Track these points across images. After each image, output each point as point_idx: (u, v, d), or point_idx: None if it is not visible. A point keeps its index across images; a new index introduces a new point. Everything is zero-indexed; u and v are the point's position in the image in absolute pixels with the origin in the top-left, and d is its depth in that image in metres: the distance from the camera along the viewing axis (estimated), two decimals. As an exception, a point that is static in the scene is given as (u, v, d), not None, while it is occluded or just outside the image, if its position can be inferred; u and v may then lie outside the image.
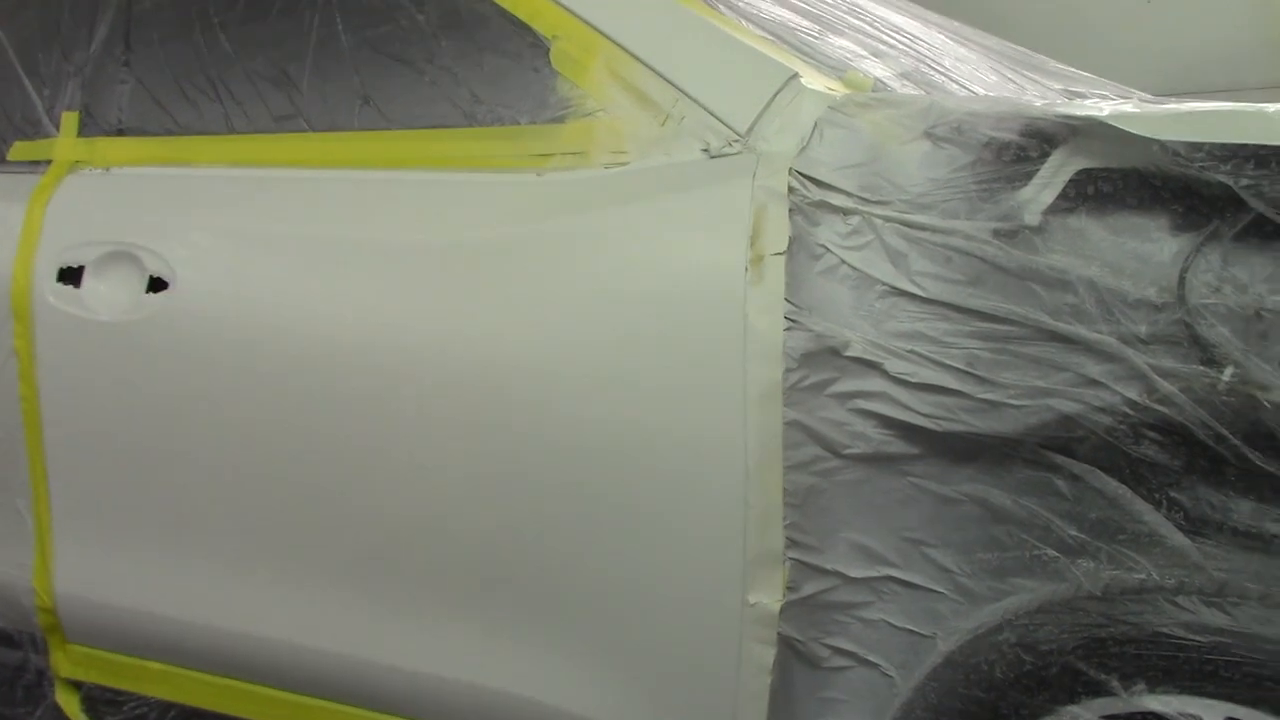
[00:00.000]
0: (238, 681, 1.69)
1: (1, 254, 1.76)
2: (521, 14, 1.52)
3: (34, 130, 1.87)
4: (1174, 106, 1.18)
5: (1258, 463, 1.09)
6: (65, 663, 1.84)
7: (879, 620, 1.28)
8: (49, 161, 1.82)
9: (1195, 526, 1.14)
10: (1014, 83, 1.90)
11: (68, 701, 1.85)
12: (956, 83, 1.73)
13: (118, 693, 1.81)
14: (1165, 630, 1.12)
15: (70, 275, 1.71)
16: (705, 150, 1.37)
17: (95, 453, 1.72)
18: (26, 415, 1.76)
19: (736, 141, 1.35)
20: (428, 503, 1.47)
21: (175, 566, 1.68)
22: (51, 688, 1.87)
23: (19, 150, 1.86)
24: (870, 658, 1.30)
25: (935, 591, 1.25)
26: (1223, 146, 1.09)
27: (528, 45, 1.52)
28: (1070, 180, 1.18)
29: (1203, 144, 1.10)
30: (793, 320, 1.25)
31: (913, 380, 1.21)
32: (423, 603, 1.50)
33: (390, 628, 1.53)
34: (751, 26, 1.49)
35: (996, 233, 1.19)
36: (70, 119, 1.84)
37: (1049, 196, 1.18)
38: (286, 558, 1.59)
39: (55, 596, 1.79)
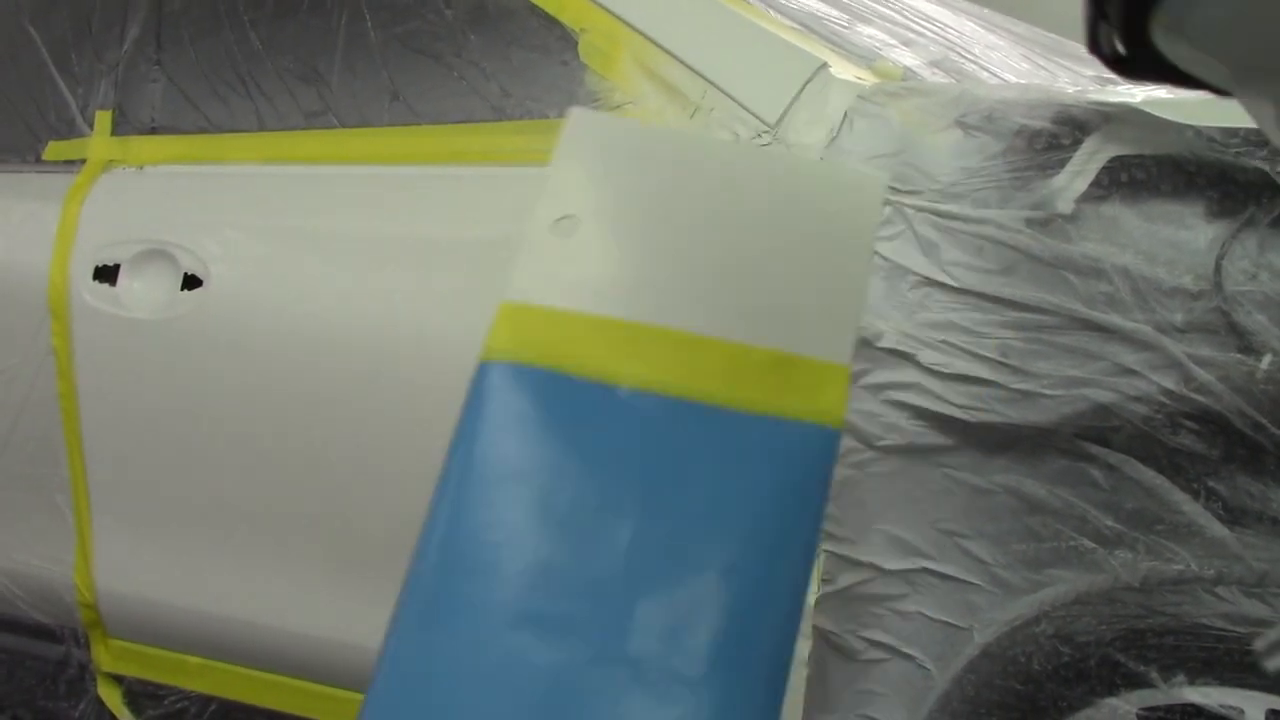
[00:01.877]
0: (278, 676, 1.70)
1: (38, 253, 1.78)
2: (549, 7, 1.52)
3: (68, 130, 1.88)
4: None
5: (1297, 451, 1.08)
6: (107, 657, 1.86)
7: (915, 612, 1.28)
8: (83, 161, 1.84)
9: (1234, 516, 1.13)
10: (1046, 70, 1.89)
11: (110, 695, 1.88)
12: (987, 70, 1.72)
13: (159, 687, 1.83)
14: (1205, 621, 1.11)
15: (106, 274, 1.72)
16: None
17: (133, 449, 1.74)
18: (65, 412, 1.77)
19: (766, 132, 1.35)
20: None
21: (213, 561, 1.69)
22: (93, 682, 1.89)
23: (54, 150, 1.88)
24: (906, 650, 1.29)
25: (971, 583, 1.25)
26: (1258, 131, 1.08)
27: (555, 39, 1.52)
28: (1104, 167, 1.16)
29: (1238, 129, 1.08)
30: (824, 312, 1.24)
31: (946, 371, 1.20)
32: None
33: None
34: (780, 16, 1.49)
35: (1029, 221, 1.18)
36: (104, 118, 1.86)
37: (1082, 184, 1.17)
38: (323, 552, 1.60)
39: (96, 592, 1.81)
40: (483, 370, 0.92)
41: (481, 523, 0.96)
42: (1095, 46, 0.56)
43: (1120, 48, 0.51)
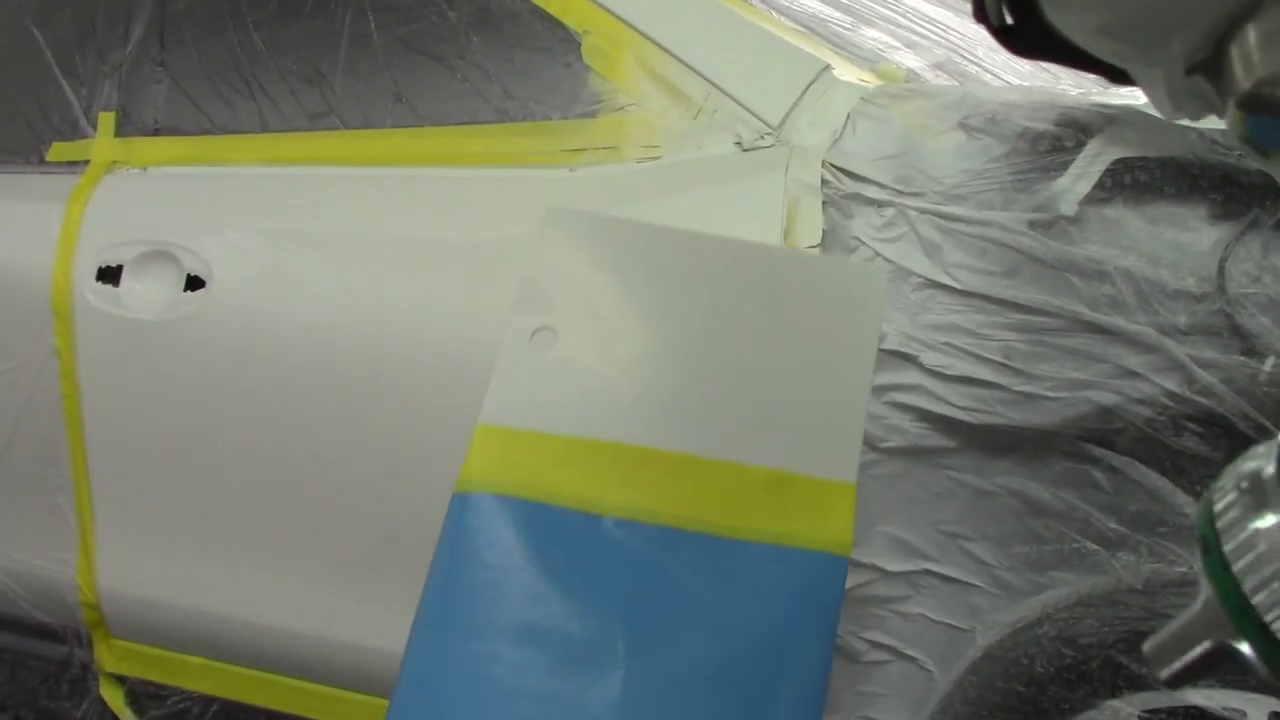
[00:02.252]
0: (279, 676, 1.70)
1: (42, 254, 1.78)
2: (552, 9, 1.52)
3: (72, 131, 1.88)
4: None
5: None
6: (109, 657, 1.86)
7: (917, 614, 1.28)
8: (87, 162, 1.84)
9: None
10: (1049, 72, 1.88)
11: (112, 696, 1.88)
12: (990, 73, 1.72)
13: (161, 687, 1.83)
14: (1207, 624, 1.11)
15: (109, 274, 1.72)
16: (738, 143, 1.37)
17: (136, 450, 1.74)
18: (68, 413, 1.77)
19: (769, 134, 1.35)
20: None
21: (216, 562, 1.69)
22: (96, 682, 1.89)
23: (57, 151, 1.88)
24: (909, 652, 1.29)
25: (973, 585, 1.25)
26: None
27: (559, 40, 1.52)
28: (1107, 170, 1.17)
29: (1242, 132, 1.08)
30: (827, 314, 1.24)
31: (949, 373, 1.20)
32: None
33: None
34: (783, 18, 1.49)
35: (1032, 224, 1.18)
36: (107, 119, 1.86)
37: (1085, 186, 1.17)
38: (324, 553, 1.60)
39: (98, 592, 1.81)
40: (458, 502, 0.84)
41: (461, 670, 0.87)
42: (981, 14, 0.53)
43: (1007, 17, 0.49)
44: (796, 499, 0.88)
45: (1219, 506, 0.42)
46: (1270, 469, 0.41)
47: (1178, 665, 0.49)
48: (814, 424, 0.88)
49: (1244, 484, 0.41)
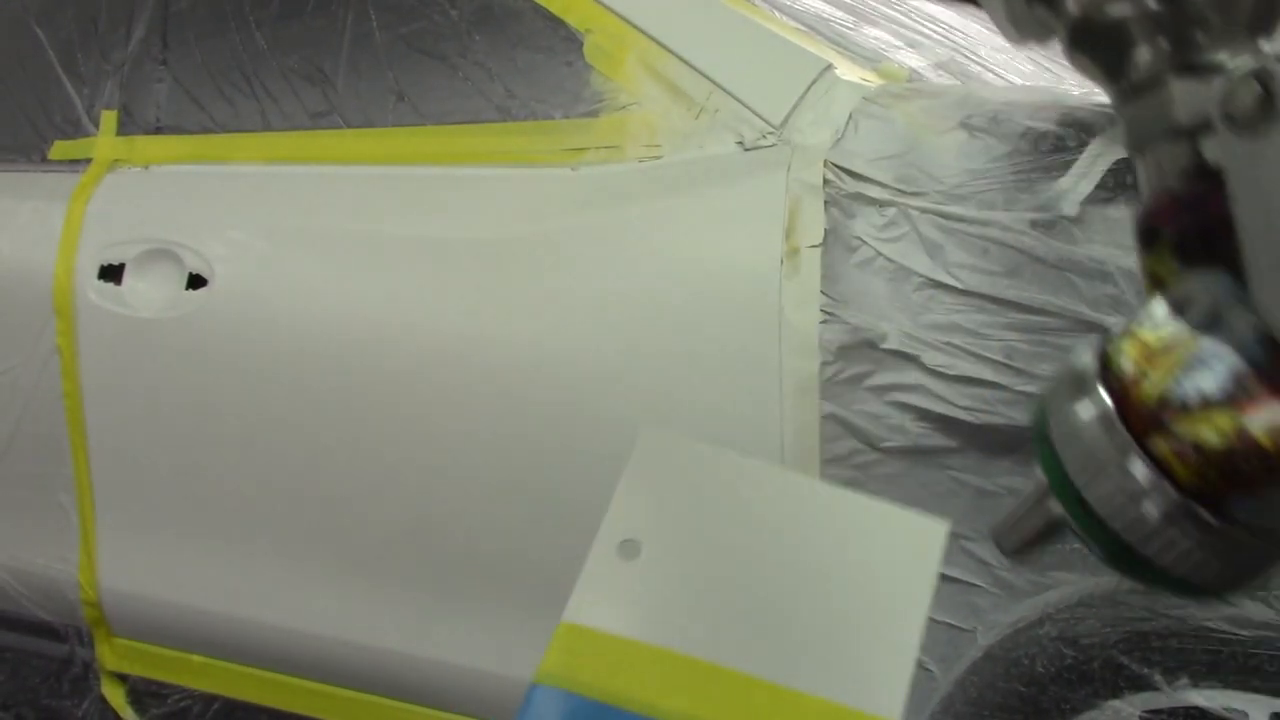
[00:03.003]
0: (280, 675, 1.70)
1: (44, 253, 1.78)
2: (554, 8, 1.52)
3: (74, 130, 1.88)
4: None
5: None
6: (110, 656, 1.86)
7: (918, 614, 1.28)
8: (89, 160, 1.84)
9: None
10: (1051, 71, 1.88)
11: (113, 694, 1.88)
12: (993, 72, 1.72)
13: (162, 685, 1.83)
14: (1209, 624, 1.11)
15: (111, 273, 1.72)
16: (739, 143, 1.37)
17: (137, 448, 1.74)
18: (70, 411, 1.78)
19: (771, 134, 1.35)
20: (467, 497, 1.48)
21: (217, 560, 1.69)
22: (97, 681, 1.89)
23: (59, 150, 1.88)
24: (909, 651, 1.29)
25: (974, 585, 1.25)
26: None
27: (561, 39, 1.52)
28: (1109, 170, 1.16)
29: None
30: (829, 313, 1.24)
31: (950, 373, 1.20)
32: (465, 599, 1.51)
33: (436, 623, 1.54)
34: (785, 18, 1.49)
35: (1034, 223, 1.18)
36: (109, 118, 1.86)
37: (1087, 186, 1.17)
38: (326, 551, 1.60)
39: (100, 591, 1.81)
40: (535, 693, 0.90)
41: None
42: None
43: None
44: None
45: (1048, 394, 0.45)
46: (1089, 361, 0.43)
47: (1017, 539, 0.53)
48: (866, 661, 0.94)
49: (1069, 376, 0.44)
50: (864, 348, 1.23)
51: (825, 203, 1.26)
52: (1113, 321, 1.13)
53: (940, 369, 1.20)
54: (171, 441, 1.70)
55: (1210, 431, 0.33)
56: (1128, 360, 0.40)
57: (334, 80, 1.68)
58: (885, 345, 1.22)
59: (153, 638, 1.81)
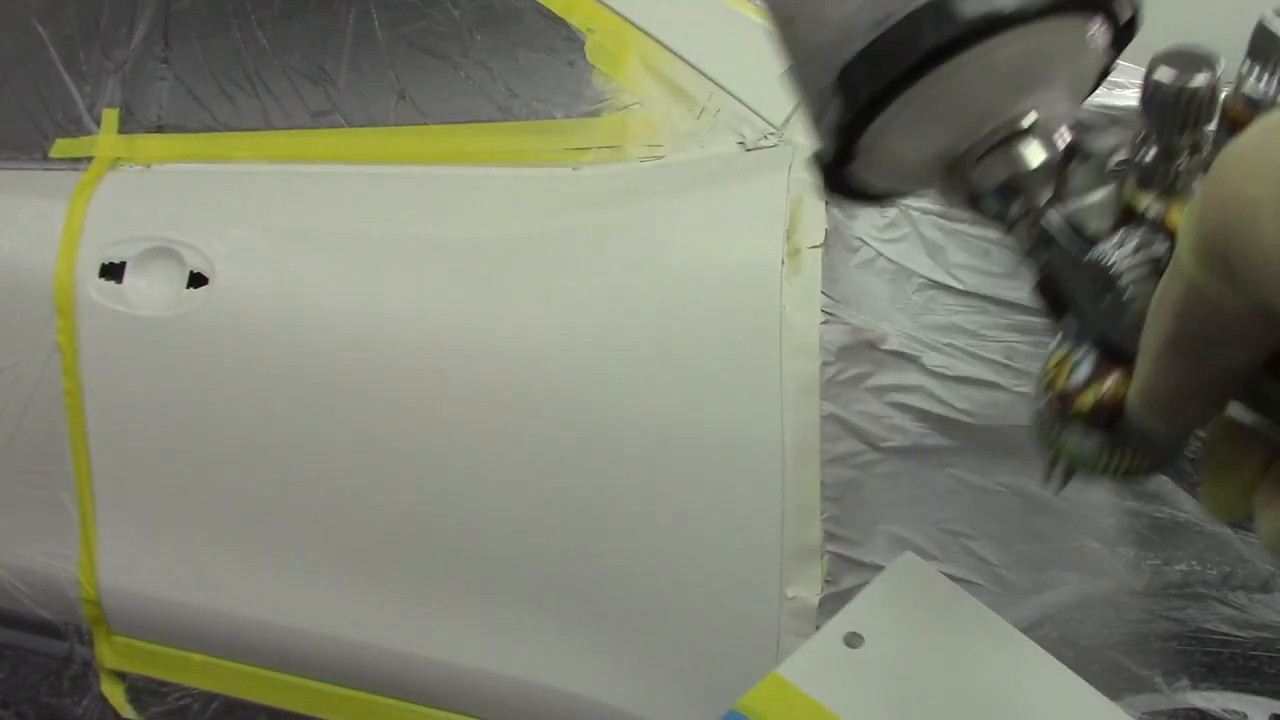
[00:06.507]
0: (279, 673, 1.71)
1: (45, 251, 1.78)
2: (556, 8, 1.52)
3: (75, 128, 1.89)
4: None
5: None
6: (110, 654, 1.86)
7: (918, 614, 1.28)
8: (90, 159, 1.84)
9: (1239, 519, 1.13)
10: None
11: (113, 692, 1.88)
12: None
13: (161, 683, 1.83)
14: (1209, 626, 1.11)
15: (112, 271, 1.73)
16: (741, 143, 1.37)
17: (138, 446, 1.75)
18: (70, 410, 1.78)
19: (772, 134, 1.35)
20: (469, 498, 1.48)
21: (217, 559, 1.70)
22: (97, 679, 1.89)
23: (61, 148, 1.88)
24: (909, 651, 1.29)
25: (975, 584, 1.25)
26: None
27: (563, 39, 1.52)
28: (1109, 170, 1.16)
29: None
30: (829, 313, 1.25)
31: (950, 373, 1.20)
32: (466, 599, 1.51)
33: (435, 622, 1.54)
34: (787, 18, 1.48)
35: (1036, 224, 1.18)
36: (111, 116, 1.86)
37: (1088, 187, 1.17)
38: (326, 549, 1.60)
39: (100, 589, 1.81)
40: (732, 716, 0.98)
41: None
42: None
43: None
44: None
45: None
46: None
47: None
48: None
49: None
50: (864, 348, 1.24)
51: (826, 203, 1.26)
52: None
53: (940, 370, 1.20)
54: (172, 440, 1.70)
55: (1090, 397, 0.42)
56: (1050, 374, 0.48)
57: (336, 79, 1.68)
58: (886, 346, 1.22)
59: (152, 636, 1.81)
